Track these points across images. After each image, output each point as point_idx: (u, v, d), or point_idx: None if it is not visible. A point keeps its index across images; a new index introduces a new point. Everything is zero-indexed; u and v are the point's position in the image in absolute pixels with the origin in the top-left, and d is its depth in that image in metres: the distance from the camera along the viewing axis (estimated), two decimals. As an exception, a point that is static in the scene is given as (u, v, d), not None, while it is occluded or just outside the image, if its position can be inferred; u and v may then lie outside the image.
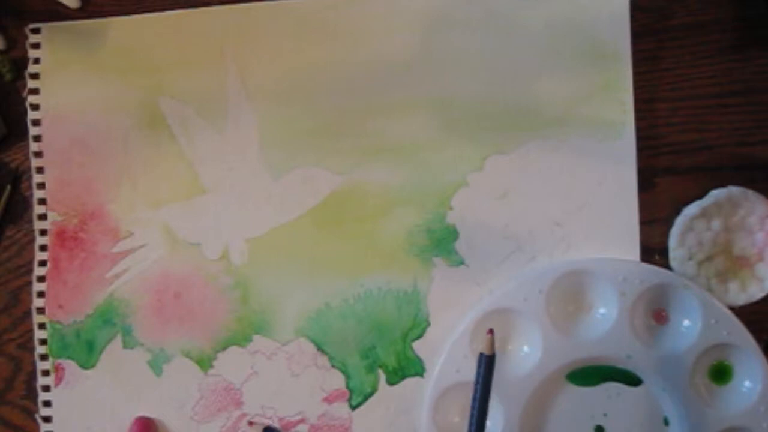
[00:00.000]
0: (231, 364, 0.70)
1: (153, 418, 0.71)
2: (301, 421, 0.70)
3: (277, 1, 0.71)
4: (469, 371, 0.64)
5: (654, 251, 0.67)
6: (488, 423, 0.64)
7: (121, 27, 0.72)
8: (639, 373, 0.65)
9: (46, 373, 0.72)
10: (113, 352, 0.71)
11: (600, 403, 0.66)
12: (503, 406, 0.65)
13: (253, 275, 0.70)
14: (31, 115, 0.73)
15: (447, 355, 0.66)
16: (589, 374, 0.66)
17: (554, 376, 0.65)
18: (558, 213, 0.68)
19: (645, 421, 0.66)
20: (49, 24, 0.73)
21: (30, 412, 0.72)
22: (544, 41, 0.68)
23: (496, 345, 0.65)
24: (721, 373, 0.65)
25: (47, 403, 0.72)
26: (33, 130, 0.73)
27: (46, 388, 0.72)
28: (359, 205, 0.70)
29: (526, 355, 0.66)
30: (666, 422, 0.66)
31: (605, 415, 0.66)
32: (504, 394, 0.64)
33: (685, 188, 0.67)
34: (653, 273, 0.65)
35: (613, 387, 0.66)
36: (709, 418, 0.63)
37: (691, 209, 0.66)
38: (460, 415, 0.66)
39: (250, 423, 0.70)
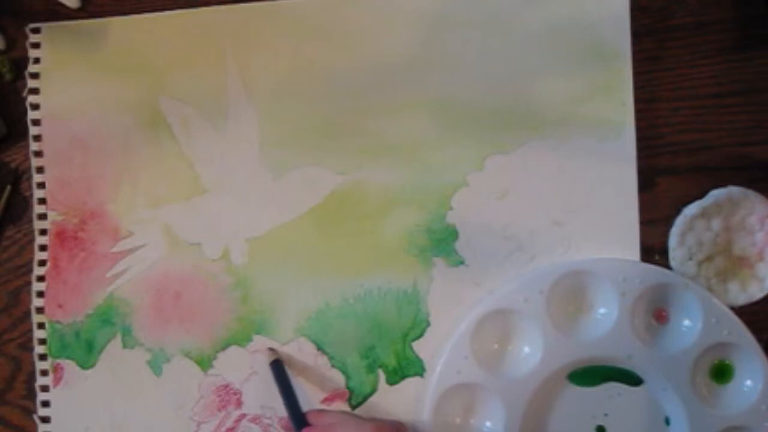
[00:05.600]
0: (231, 363, 0.69)
1: None
2: (320, 415, 0.66)
3: (277, 1, 0.69)
4: (470, 372, 0.63)
5: (654, 251, 0.66)
6: (489, 423, 0.64)
7: (121, 27, 0.71)
8: (640, 373, 0.64)
9: (44, 373, 0.70)
10: (113, 351, 0.70)
11: (601, 403, 0.65)
12: (504, 407, 0.63)
13: (253, 275, 0.69)
14: (31, 114, 0.71)
15: (447, 356, 0.64)
16: (590, 374, 0.65)
17: (555, 377, 0.64)
18: (558, 213, 0.67)
19: (646, 420, 0.65)
20: (49, 24, 0.71)
21: (30, 412, 0.71)
22: (545, 41, 0.67)
23: (496, 345, 0.65)
24: (721, 373, 0.64)
25: (46, 403, 0.70)
26: (33, 130, 0.71)
27: (45, 388, 0.70)
28: (359, 205, 0.68)
29: (526, 355, 0.65)
30: (667, 422, 0.64)
31: (606, 415, 0.65)
32: (505, 395, 0.63)
33: (685, 188, 0.66)
34: (653, 273, 0.64)
35: (614, 387, 0.65)
36: (710, 417, 0.63)
37: (691, 209, 0.65)
38: (461, 415, 0.65)
39: (270, 349, 0.68)
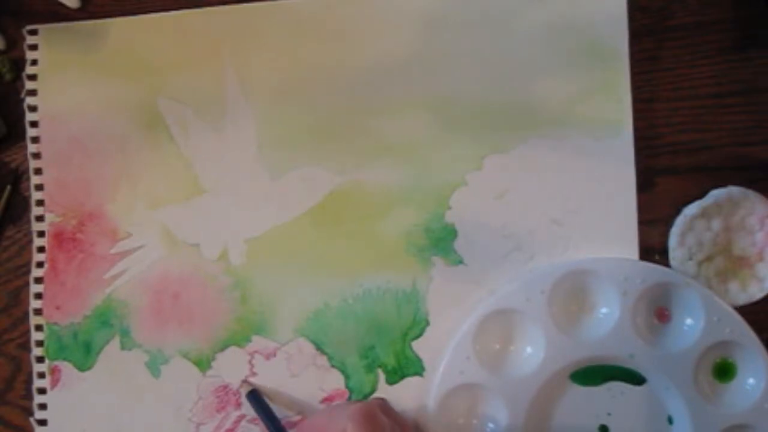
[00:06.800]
0: (230, 364, 0.67)
1: None
2: (301, 421, 0.66)
3: (277, 1, 0.67)
4: (473, 373, 0.62)
5: (654, 251, 0.64)
6: (492, 424, 0.63)
7: (120, 27, 0.69)
8: (642, 372, 0.63)
9: (42, 375, 0.68)
10: (111, 353, 0.68)
11: (604, 403, 0.63)
12: (507, 407, 0.62)
13: (251, 275, 0.67)
14: (29, 116, 0.69)
15: (450, 357, 0.63)
16: (593, 374, 0.63)
17: (558, 377, 0.62)
18: (556, 212, 0.65)
19: (649, 419, 0.63)
20: (47, 25, 0.69)
21: (30, 413, 0.68)
22: (543, 41, 0.65)
23: (498, 345, 0.63)
24: (724, 371, 0.62)
25: (43, 406, 0.68)
26: (31, 132, 0.69)
27: (42, 391, 0.68)
28: (358, 205, 0.66)
29: (529, 355, 0.63)
30: (670, 421, 0.63)
31: (609, 414, 0.63)
32: (508, 395, 0.62)
33: (685, 188, 0.64)
34: (655, 272, 0.62)
35: (616, 386, 0.63)
36: (713, 415, 0.61)
37: (691, 209, 0.63)
38: (464, 416, 0.63)
39: (244, 381, 0.66)
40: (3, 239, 0.70)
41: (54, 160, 0.69)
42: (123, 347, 0.67)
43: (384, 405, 0.63)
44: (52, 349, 0.68)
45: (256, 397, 0.65)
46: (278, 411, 0.65)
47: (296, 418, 0.66)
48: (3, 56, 0.69)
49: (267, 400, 0.65)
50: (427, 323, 0.65)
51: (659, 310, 0.63)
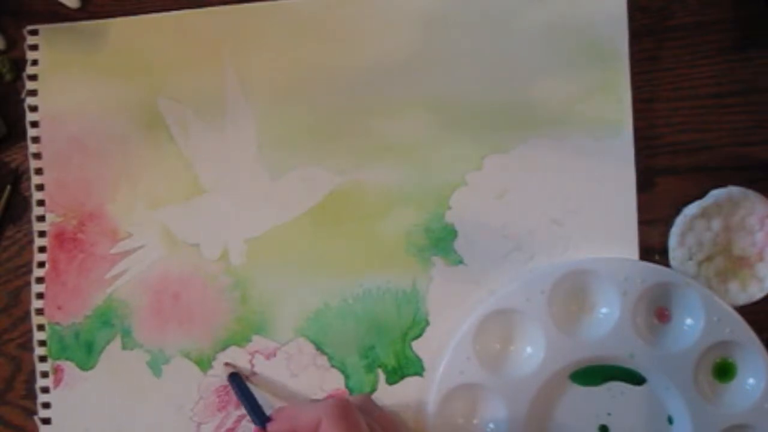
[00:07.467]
0: None
1: None
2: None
3: (277, 1, 0.67)
4: (473, 373, 0.61)
5: (654, 251, 0.64)
6: (492, 424, 0.62)
7: (120, 27, 0.68)
8: (642, 372, 0.62)
9: (45, 374, 0.68)
10: (112, 353, 0.67)
11: (604, 403, 0.63)
12: (507, 407, 0.61)
13: (252, 275, 0.67)
14: (30, 116, 0.69)
15: (450, 357, 0.62)
16: (593, 374, 0.62)
17: (557, 377, 0.62)
18: (557, 212, 0.64)
19: (649, 419, 0.62)
20: (47, 25, 0.69)
21: (30, 413, 0.68)
22: (543, 40, 0.65)
23: (498, 346, 0.63)
24: (724, 371, 0.62)
25: (46, 405, 0.68)
26: (31, 132, 0.69)
27: (45, 390, 0.68)
28: (358, 205, 0.66)
29: (529, 355, 0.62)
30: (670, 421, 0.62)
31: (609, 414, 0.63)
32: (508, 395, 0.61)
33: (685, 188, 0.64)
34: (655, 272, 0.62)
35: (616, 386, 0.63)
36: (713, 415, 0.60)
37: (691, 209, 0.63)
38: (464, 416, 0.63)
39: (226, 364, 0.66)
40: (3, 239, 0.69)
41: (54, 160, 0.68)
42: (124, 347, 0.67)
43: (366, 402, 0.62)
44: (54, 349, 0.68)
45: (237, 380, 0.64)
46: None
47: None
48: (3, 56, 0.69)
49: (248, 384, 0.64)
50: (427, 323, 0.65)
51: (659, 310, 0.62)
